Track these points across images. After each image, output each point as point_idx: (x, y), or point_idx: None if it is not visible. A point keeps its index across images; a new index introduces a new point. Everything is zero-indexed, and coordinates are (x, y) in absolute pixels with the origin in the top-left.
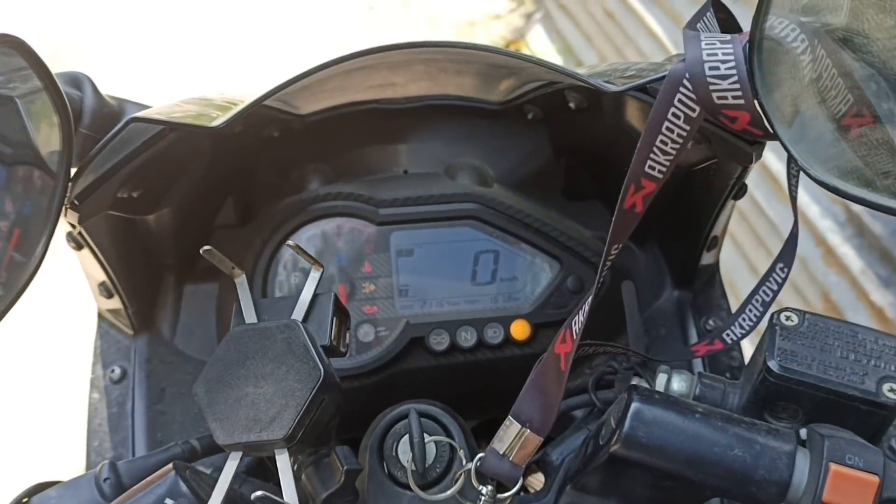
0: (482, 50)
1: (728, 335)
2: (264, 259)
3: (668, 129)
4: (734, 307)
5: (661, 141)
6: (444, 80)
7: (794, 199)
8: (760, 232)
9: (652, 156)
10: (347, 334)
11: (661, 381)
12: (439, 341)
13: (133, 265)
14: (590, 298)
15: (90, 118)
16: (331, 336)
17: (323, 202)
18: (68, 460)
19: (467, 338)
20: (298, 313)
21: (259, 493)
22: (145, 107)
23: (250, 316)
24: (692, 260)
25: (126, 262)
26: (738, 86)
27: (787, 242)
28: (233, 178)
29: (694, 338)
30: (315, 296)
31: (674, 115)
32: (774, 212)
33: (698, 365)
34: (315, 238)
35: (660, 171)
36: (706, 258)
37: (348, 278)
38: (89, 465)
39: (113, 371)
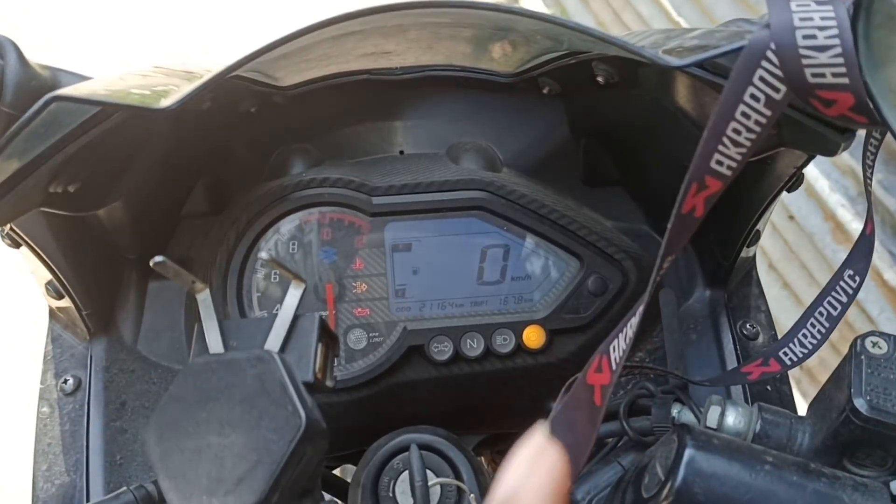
0: (497, 11)
1: (786, 355)
2: (239, 255)
3: (743, 114)
4: None
5: (734, 129)
6: (446, 47)
7: (869, 193)
8: (774, 219)
9: (721, 148)
10: (336, 362)
11: (713, 416)
12: (441, 350)
13: (84, 262)
14: (634, 321)
15: (13, 93)
16: (315, 369)
17: (307, 189)
18: (16, 486)
19: (473, 346)
20: (274, 341)
21: None
22: (87, 79)
23: (215, 342)
24: (730, 256)
25: (75, 259)
26: (840, 60)
27: (858, 245)
28: (202, 160)
29: (729, 344)
30: (296, 317)
31: (752, 96)
32: (788, 199)
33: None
34: (298, 230)
35: (729, 168)
36: (744, 253)
37: (337, 277)
38: (37, 493)
39: (66, 381)
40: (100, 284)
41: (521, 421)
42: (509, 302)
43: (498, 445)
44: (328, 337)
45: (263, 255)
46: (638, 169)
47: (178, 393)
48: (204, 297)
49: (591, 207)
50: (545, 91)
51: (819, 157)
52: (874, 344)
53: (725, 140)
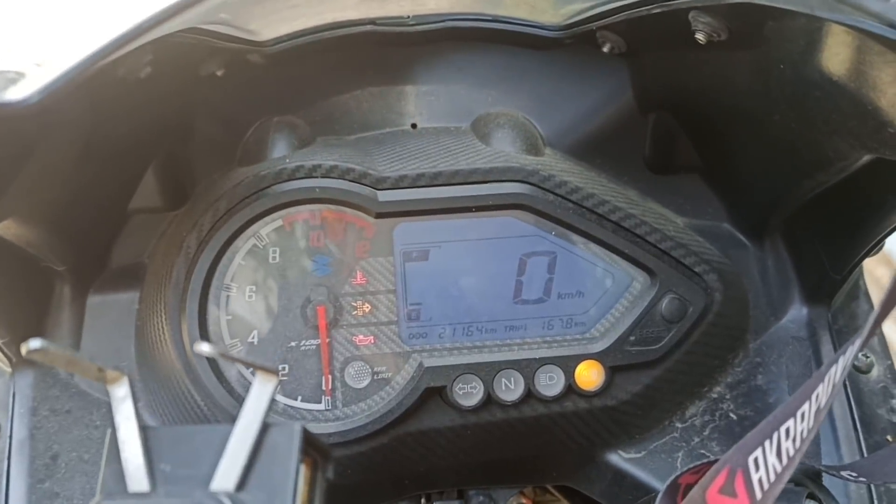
0: None
1: None
2: (202, 267)
3: None
4: None
5: None
6: None
7: None
8: None
9: None
10: (324, 487)
11: None
12: (468, 392)
13: None
14: (797, 428)
15: None
16: None
17: (293, 180)
18: None
19: (510, 386)
20: (229, 470)
21: None
22: None
23: (135, 469)
24: (844, 268)
25: None
26: None
27: None
28: (150, 141)
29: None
30: (264, 427)
31: None
32: None
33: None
34: (280, 234)
35: None
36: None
37: (331, 295)
38: None
39: None
40: (20, 305)
41: (567, 472)
42: (556, 327)
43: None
44: (316, 452)
45: (204, 348)
46: (727, 152)
47: None
48: (120, 393)
49: (658, 200)
50: (605, 49)
51: None
52: None
53: None
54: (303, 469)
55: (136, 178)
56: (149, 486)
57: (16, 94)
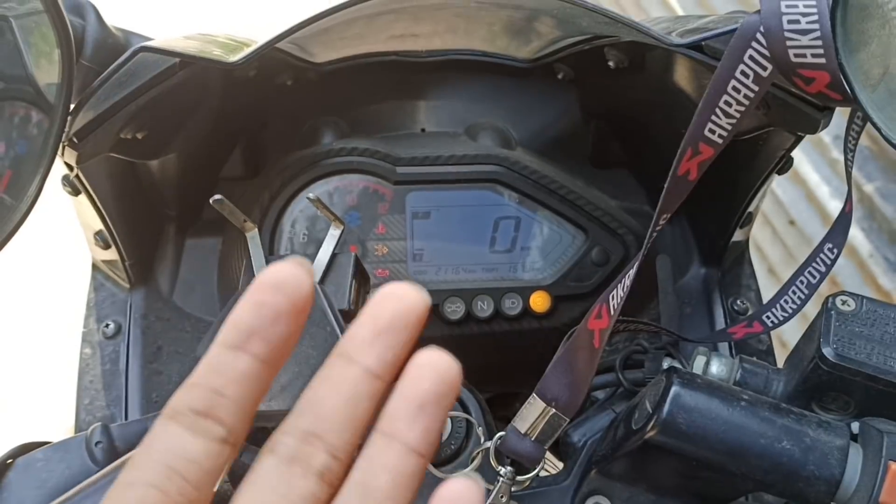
0: None
1: (769, 318)
2: (272, 214)
3: (734, 88)
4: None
5: (726, 102)
6: (471, 32)
7: (849, 174)
8: (775, 223)
9: (713, 118)
10: (367, 298)
11: (698, 364)
12: (454, 310)
13: (133, 215)
14: (631, 273)
15: (93, 49)
16: (350, 300)
17: (337, 157)
18: (58, 419)
19: (483, 308)
20: (315, 273)
21: None
22: (151, 39)
23: None
24: (723, 236)
25: (126, 211)
26: (819, 42)
27: (838, 221)
28: (242, 127)
29: (720, 318)
30: (334, 255)
31: (742, 73)
32: (782, 190)
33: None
34: (327, 195)
35: (720, 136)
36: (738, 235)
37: (360, 239)
38: (79, 424)
39: (107, 326)
40: (143, 237)
41: (526, 380)
42: (518, 269)
43: (500, 411)
44: (361, 274)
45: (311, 195)
46: (642, 151)
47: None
48: (253, 235)
49: (597, 187)
50: (560, 76)
51: (819, 164)
52: (843, 302)
53: (718, 111)
54: (354, 282)
55: (228, 153)
56: None
57: (235, 58)
